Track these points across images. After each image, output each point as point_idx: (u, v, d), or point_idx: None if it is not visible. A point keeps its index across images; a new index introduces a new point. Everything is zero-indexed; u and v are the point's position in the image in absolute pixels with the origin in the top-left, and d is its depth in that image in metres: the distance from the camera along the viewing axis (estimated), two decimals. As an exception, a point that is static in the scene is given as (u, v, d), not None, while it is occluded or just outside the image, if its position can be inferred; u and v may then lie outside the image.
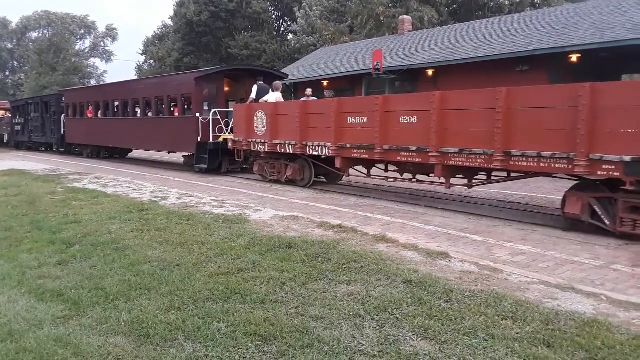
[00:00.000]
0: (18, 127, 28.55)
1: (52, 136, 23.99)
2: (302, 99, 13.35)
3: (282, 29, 48.04)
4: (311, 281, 4.58)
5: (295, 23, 39.59)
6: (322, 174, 11.53)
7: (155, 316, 3.83)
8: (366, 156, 9.15)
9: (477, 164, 7.36)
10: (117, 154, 21.20)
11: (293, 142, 10.70)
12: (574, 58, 14.25)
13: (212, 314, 3.85)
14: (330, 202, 9.31)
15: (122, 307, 4.03)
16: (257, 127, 11.79)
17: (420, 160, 8.09)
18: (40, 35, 66.85)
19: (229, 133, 13.67)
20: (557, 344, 3.33)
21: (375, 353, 3.26)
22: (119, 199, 9.48)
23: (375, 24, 31.68)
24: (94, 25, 69.47)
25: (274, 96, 12.58)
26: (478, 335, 3.45)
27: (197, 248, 5.74)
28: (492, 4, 33.01)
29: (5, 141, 31.08)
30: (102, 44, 70.66)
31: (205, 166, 13.73)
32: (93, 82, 62.16)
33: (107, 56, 70.81)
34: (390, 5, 32.06)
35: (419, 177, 9.05)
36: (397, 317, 3.77)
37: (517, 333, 3.48)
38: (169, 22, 48.52)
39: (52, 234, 6.58)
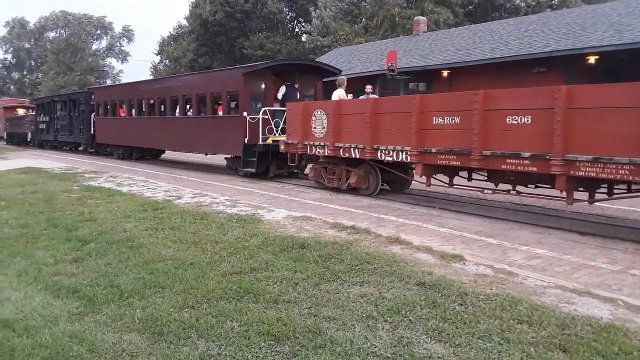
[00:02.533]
0: (42, 126, 27.85)
1: (80, 136, 23.13)
2: (362, 97, 12.34)
3: (297, 29, 48.17)
4: (324, 282, 4.57)
5: (309, 23, 39.66)
6: (386, 181, 10.40)
7: (169, 314, 3.84)
8: (457, 163, 7.80)
9: (618, 176, 6.06)
10: (149, 156, 20.21)
11: (360, 146, 9.43)
12: (592, 60, 14.08)
13: (225, 313, 3.86)
14: (343, 203, 9.28)
15: (136, 305, 4.05)
16: (315, 128, 10.58)
17: (536, 169, 6.80)
18: (58, 35, 67.79)
19: (279, 134, 12.65)
20: (573, 349, 3.29)
21: (388, 355, 3.24)
22: (133, 197, 9.56)
23: (390, 25, 31.62)
24: (111, 26, 70.38)
25: (337, 93, 11.44)
26: (492, 339, 3.41)
27: (210, 247, 5.76)
28: (508, 5, 32.75)
29: (28, 140, 30.58)
30: (118, 44, 71.49)
31: (253, 170, 12.58)
32: (109, 82, 62.81)
33: (123, 56, 71.69)
34: (405, 6, 31.98)
35: (519, 188, 7.90)
36: (410, 319, 3.74)
37: (533, 337, 3.44)
38: (184, 23, 48.90)
39: (67, 231, 6.65)
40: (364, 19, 35.58)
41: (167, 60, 49.89)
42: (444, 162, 8.02)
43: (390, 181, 10.49)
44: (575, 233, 6.79)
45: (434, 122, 8.12)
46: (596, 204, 8.73)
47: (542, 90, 6.93)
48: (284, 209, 8.42)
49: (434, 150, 8.09)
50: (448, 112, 7.92)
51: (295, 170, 12.95)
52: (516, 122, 6.99)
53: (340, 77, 12.26)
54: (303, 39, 44.14)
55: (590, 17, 16.77)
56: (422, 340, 3.43)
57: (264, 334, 3.50)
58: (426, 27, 25.54)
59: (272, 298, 4.16)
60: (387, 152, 8.99)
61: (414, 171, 9.34)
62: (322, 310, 3.92)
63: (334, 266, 5.01)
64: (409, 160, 8.60)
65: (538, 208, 8.68)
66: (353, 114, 9.82)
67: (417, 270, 4.89)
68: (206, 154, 16.98)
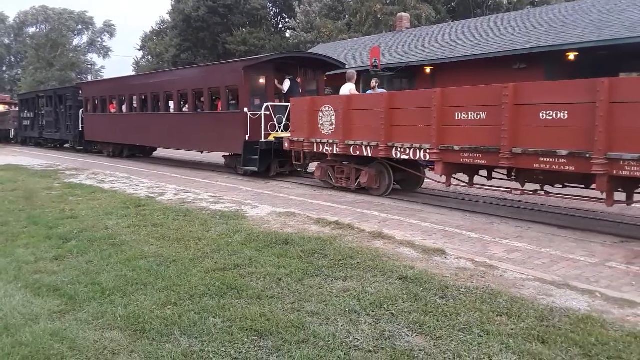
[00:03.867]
0: (26, 122, 26.56)
1: (67, 133, 22.02)
2: (368, 92, 11.73)
3: (280, 25, 48.02)
4: (307, 277, 4.60)
5: (293, 19, 39.59)
6: (397, 180, 9.80)
7: (152, 311, 3.83)
8: (483, 162, 7.31)
9: None
10: (140, 153, 19.21)
11: (374, 143, 8.87)
12: (572, 56, 14.29)
13: (208, 309, 3.86)
14: (327, 199, 9.31)
15: (118, 302, 4.03)
16: (322, 124, 10.00)
17: (573, 168, 6.32)
18: (38, 30, 66.65)
19: (282, 131, 12.06)
20: (551, 340, 3.35)
21: (371, 348, 3.27)
22: (115, 194, 9.47)
23: (373, 22, 31.70)
24: (92, 21, 69.28)
25: (347, 88, 10.82)
26: (473, 331, 3.47)
27: (193, 244, 5.74)
28: (490, 1, 33.03)
29: (11, 136, 29.35)
30: (99, 39, 70.49)
31: (255, 169, 11.94)
32: (90, 78, 61.99)
33: (105, 52, 70.67)
34: (387, 2, 32.09)
35: (548, 188, 7.40)
36: (392, 313, 3.78)
37: (512, 329, 3.50)
38: (167, 18, 48.43)
39: (48, 229, 6.58)
40: (347, 16, 35.61)
41: (150, 56, 49.38)
42: (467, 160, 7.50)
43: (401, 180, 9.94)
44: (555, 227, 6.90)
45: (457, 118, 7.57)
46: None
47: (581, 83, 6.46)
48: (268, 205, 8.42)
49: (456, 148, 7.55)
50: (473, 107, 7.38)
51: (299, 169, 12.40)
52: (551, 117, 6.46)
53: (350, 71, 11.55)
54: (287, 34, 44.03)
55: (571, 14, 16.99)
56: (403, 334, 3.47)
57: (247, 330, 3.51)
58: (409, 24, 25.66)
59: (255, 294, 4.17)
60: (403, 150, 8.45)
61: (430, 170, 8.87)
62: (305, 305, 3.95)
63: (317, 261, 5.03)
64: (427, 158, 8.11)
65: (519, 202, 8.79)
66: (365, 110, 9.29)
67: (399, 264, 4.94)
68: (201, 152, 16.43)
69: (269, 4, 46.23)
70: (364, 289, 4.28)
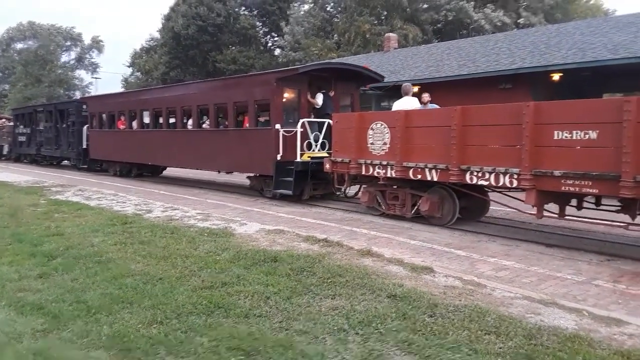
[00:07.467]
0: (22, 138, 25.11)
1: (69, 150, 20.62)
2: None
3: (270, 44, 48.41)
4: (296, 295, 4.57)
5: (282, 38, 39.96)
6: (460, 207, 8.52)
7: (137, 330, 3.78)
8: (595, 190, 6.18)
9: None
10: (148, 172, 18.06)
11: (442, 166, 7.75)
12: (556, 77, 14.53)
13: (194, 328, 3.81)
14: (316, 216, 9.30)
15: (103, 321, 3.97)
16: (372, 144, 8.94)
17: None
18: (26, 46, 66.42)
19: (319, 150, 11.04)
20: (539, 358, 3.36)
21: (359, 367, 3.25)
22: (102, 211, 9.37)
23: (362, 41, 32.11)
24: (80, 37, 69.18)
25: (402, 102, 9.71)
26: (461, 350, 3.46)
27: (180, 261, 5.69)
28: (475, 24, 33.65)
29: (4, 153, 27.88)
30: (88, 55, 70.38)
31: (289, 192, 10.73)
32: (78, 95, 61.68)
33: (93, 68, 70.50)
34: (376, 22, 32.58)
35: None
36: (381, 332, 3.76)
37: (500, 348, 3.50)
38: (157, 35, 48.56)
39: (33, 246, 6.47)
40: (336, 35, 36.04)
41: (139, 73, 49.40)
42: (572, 188, 6.34)
43: (464, 207, 8.63)
44: (542, 245, 6.95)
45: (556, 138, 6.43)
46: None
47: None
48: (257, 222, 8.38)
49: (557, 173, 6.39)
50: (578, 124, 6.23)
51: (338, 193, 11.30)
52: None
53: (406, 83, 10.49)
54: (276, 53, 44.36)
55: (555, 35, 17.34)
56: (392, 352, 3.45)
57: (234, 349, 3.47)
58: (397, 44, 25.99)
59: (243, 312, 4.13)
60: (481, 175, 7.30)
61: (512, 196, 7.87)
62: (293, 324, 3.92)
63: (306, 279, 5.01)
64: (515, 185, 6.96)
65: (506, 221, 8.85)
66: (430, 127, 8.14)
67: (388, 282, 4.93)
68: (219, 172, 14.99)
69: (258, 22, 46.64)
70: (352, 307, 4.26)
